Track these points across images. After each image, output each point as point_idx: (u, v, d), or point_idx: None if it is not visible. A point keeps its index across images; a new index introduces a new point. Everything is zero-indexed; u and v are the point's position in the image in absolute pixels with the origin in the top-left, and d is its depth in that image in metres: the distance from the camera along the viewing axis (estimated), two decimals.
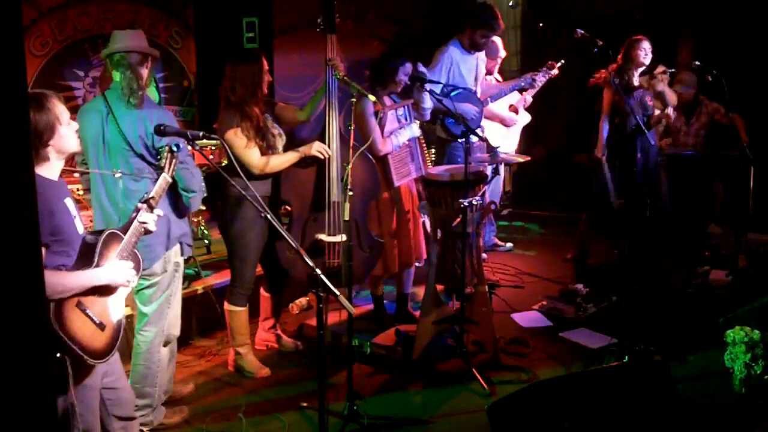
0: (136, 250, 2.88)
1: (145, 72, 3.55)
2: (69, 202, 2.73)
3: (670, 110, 5.55)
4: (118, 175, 3.46)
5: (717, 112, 6.39)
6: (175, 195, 3.58)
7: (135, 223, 2.87)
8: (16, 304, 1.81)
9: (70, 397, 2.58)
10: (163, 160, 3.07)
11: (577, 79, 6.08)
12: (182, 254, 3.73)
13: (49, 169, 2.69)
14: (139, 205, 2.91)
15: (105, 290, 2.74)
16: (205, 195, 3.74)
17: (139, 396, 3.57)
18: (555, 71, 5.96)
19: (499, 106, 6.08)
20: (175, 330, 3.80)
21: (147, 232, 2.93)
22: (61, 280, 2.59)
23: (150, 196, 2.95)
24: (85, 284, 2.65)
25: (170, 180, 3.06)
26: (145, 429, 3.70)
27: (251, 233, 4.20)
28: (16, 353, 1.82)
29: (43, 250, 2.56)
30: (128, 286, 2.83)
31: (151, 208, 2.92)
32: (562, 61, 5.99)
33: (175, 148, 3.08)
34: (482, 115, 5.47)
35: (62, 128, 2.67)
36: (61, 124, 2.67)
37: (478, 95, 5.60)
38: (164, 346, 3.76)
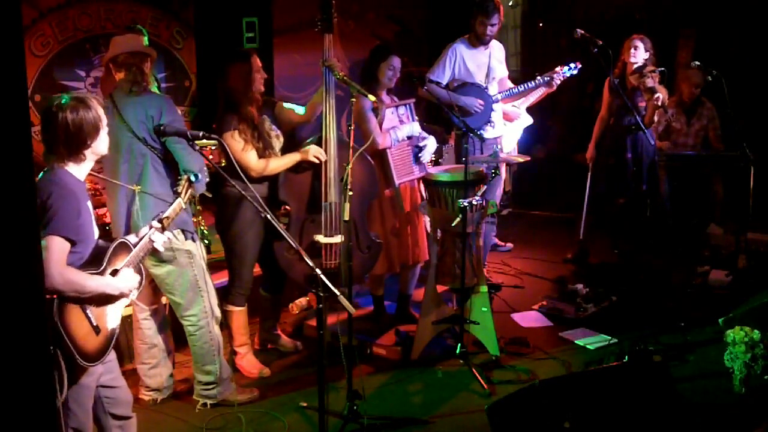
0: (141, 264, 2.92)
1: (146, 68, 3.73)
2: (90, 205, 2.82)
3: (659, 95, 5.51)
4: (137, 188, 3.50)
5: (712, 120, 6.35)
6: (174, 179, 3.62)
7: (146, 239, 2.90)
8: (16, 303, 1.82)
9: (62, 396, 2.60)
10: (180, 187, 3.11)
11: (577, 80, 6.05)
12: (186, 240, 3.73)
13: (81, 171, 2.78)
14: (154, 223, 2.94)
15: (110, 298, 2.78)
16: (207, 180, 3.76)
17: (201, 373, 3.90)
18: (575, 71, 5.75)
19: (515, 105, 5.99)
20: (216, 312, 3.93)
21: (154, 250, 2.98)
22: (82, 281, 2.66)
23: (165, 215, 2.97)
24: (102, 290, 2.73)
25: (184, 206, 3.12)
26: (208, 402, 3.94)
27: (250, 233, 4.20)
28: (14, 352, 1.83)
29: (68, 246, 2.64)
30: (128, 296, 2.87)
31: (163, 229, 2.95)
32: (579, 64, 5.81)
33: (193, 178, 3.13)
34: (490, 110, 5.42)
35: (102, 131, 2.80)
36: (102, 127, 2.79)
37: (494, 92, 5.51)
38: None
